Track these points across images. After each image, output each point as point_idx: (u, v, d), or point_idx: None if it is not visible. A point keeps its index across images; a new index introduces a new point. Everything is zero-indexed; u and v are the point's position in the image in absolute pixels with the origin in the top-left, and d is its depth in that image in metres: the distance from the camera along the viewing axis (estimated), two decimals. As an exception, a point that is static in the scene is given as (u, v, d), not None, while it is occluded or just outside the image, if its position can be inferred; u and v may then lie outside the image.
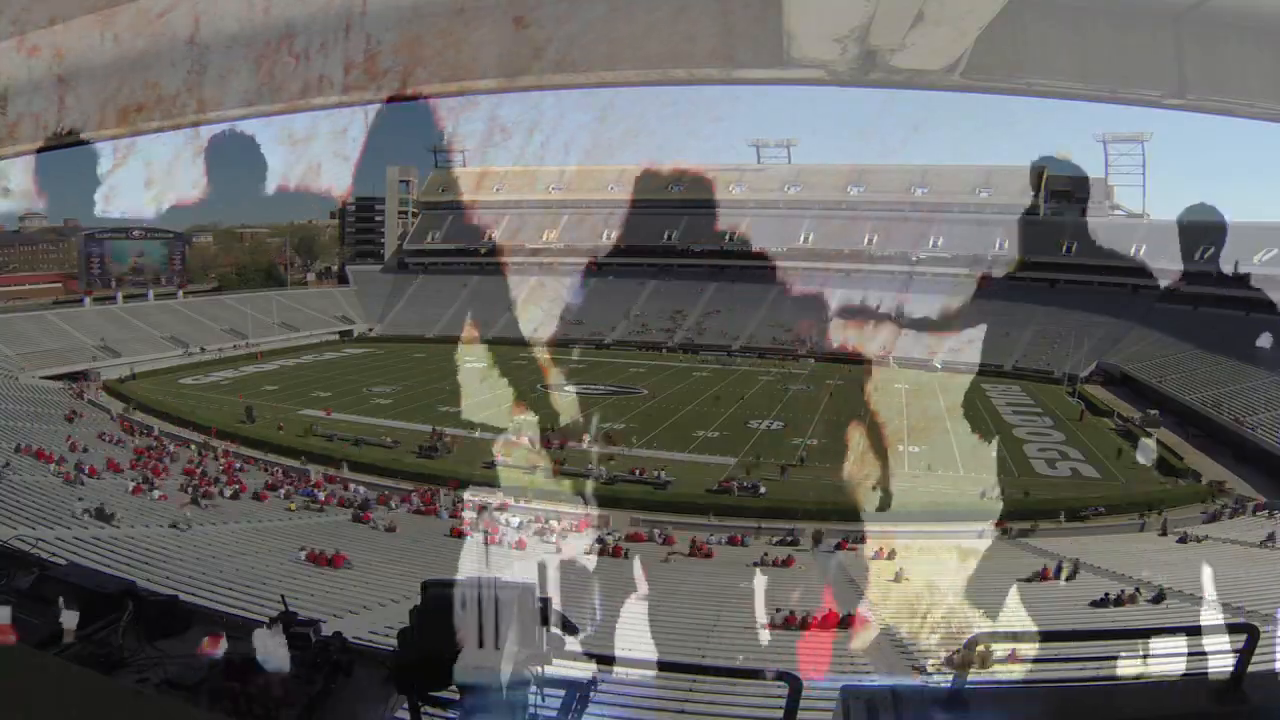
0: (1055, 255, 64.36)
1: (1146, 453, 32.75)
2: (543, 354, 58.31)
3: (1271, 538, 21.24)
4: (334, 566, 18.71)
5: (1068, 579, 18.52)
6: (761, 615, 15.35)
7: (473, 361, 56.26)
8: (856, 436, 32.57)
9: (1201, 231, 55.21)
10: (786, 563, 22.15)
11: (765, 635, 14.64)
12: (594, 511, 26.23)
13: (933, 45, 3.34)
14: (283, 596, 3.16)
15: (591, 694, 2.56)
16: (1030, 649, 2.44)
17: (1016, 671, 2.32)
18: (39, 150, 4.35)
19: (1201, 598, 16.25)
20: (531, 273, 78.36)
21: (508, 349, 63.14)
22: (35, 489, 22.49)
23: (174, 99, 3.85)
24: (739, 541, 24.45)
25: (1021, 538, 24.76)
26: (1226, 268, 50.99)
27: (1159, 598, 16.84)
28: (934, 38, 3.26)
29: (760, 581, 16.50)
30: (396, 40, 3.61)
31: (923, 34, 3.22)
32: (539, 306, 69.29)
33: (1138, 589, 17.36)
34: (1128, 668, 2.35)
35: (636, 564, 18.61)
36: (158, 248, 69.84)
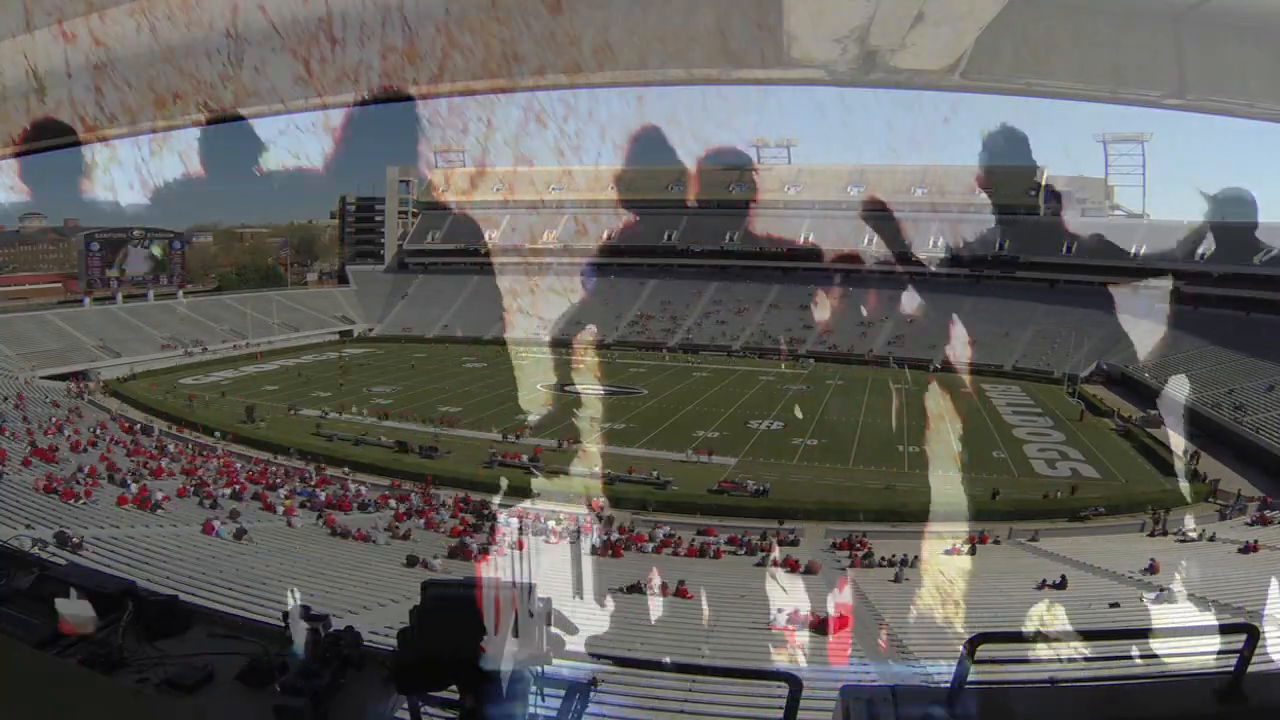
0: (1055, 255, 64.42)
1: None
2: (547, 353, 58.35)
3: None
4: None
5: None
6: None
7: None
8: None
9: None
10: (789, 564, 22.11)
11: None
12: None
13: (933, 45, 3.34)
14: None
15: (591, 694, 2.56)
16: (1031, 649, 2.44)
17: (1017, 671, 2.32)
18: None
19: (1202, 598, 16.25)
20: (531, 273, 78.45)
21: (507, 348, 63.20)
22: (35, 489, 22.47)
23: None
24: (738, 541, 24.44)
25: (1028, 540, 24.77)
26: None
27: (1158, 598, 16.84)
28: (934, 38, 3.26)
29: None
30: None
31: (923, 34, 3.22)
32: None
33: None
34: (1128, 668, 2.35)
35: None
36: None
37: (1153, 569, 19.29)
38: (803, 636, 14.65)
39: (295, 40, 3.62)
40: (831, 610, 15.34)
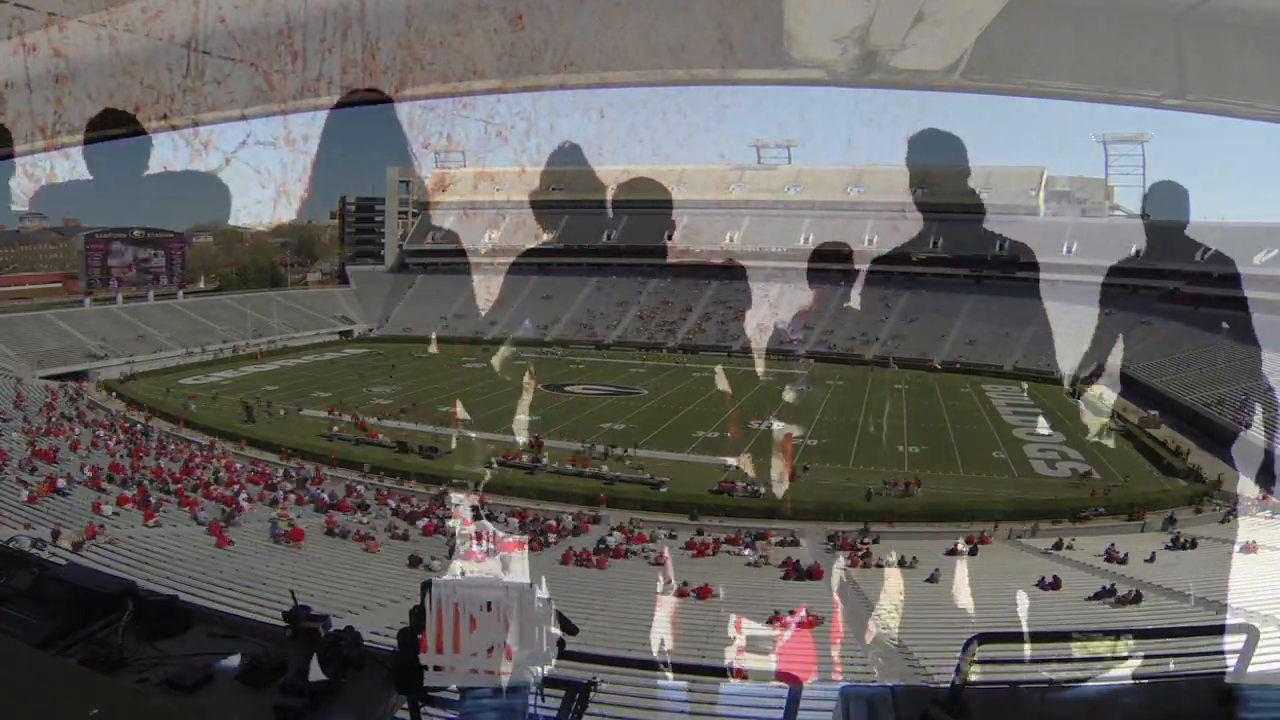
0: (1055, 255, 64.41)
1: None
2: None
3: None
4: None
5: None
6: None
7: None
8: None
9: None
10: (787, 566, 22.08)
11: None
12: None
13: (933, 45, 3.33)
14: (292, 592, 3.18)
15: (591, 694, 2.56)
16: (1031, 649, 2.44)
17: (1016, 671, 2.32)
18: (36, 151, 4.35)
19: (1201, 598, 16.26)
20: (531, 273, 78.66)
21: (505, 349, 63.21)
22: (34, 490, 22.43)
23: (171, 99, 3.84)
24: (737, 541, 24.43)
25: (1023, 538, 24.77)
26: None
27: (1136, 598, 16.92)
28: (934, 38, 3.26)
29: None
30: (394, 41, 3.60)
31: (923, 34, 3.22)
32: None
33: (1115, 586, 17.46)
34: (1128, 668, 2.35)
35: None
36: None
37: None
38: None
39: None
40: None
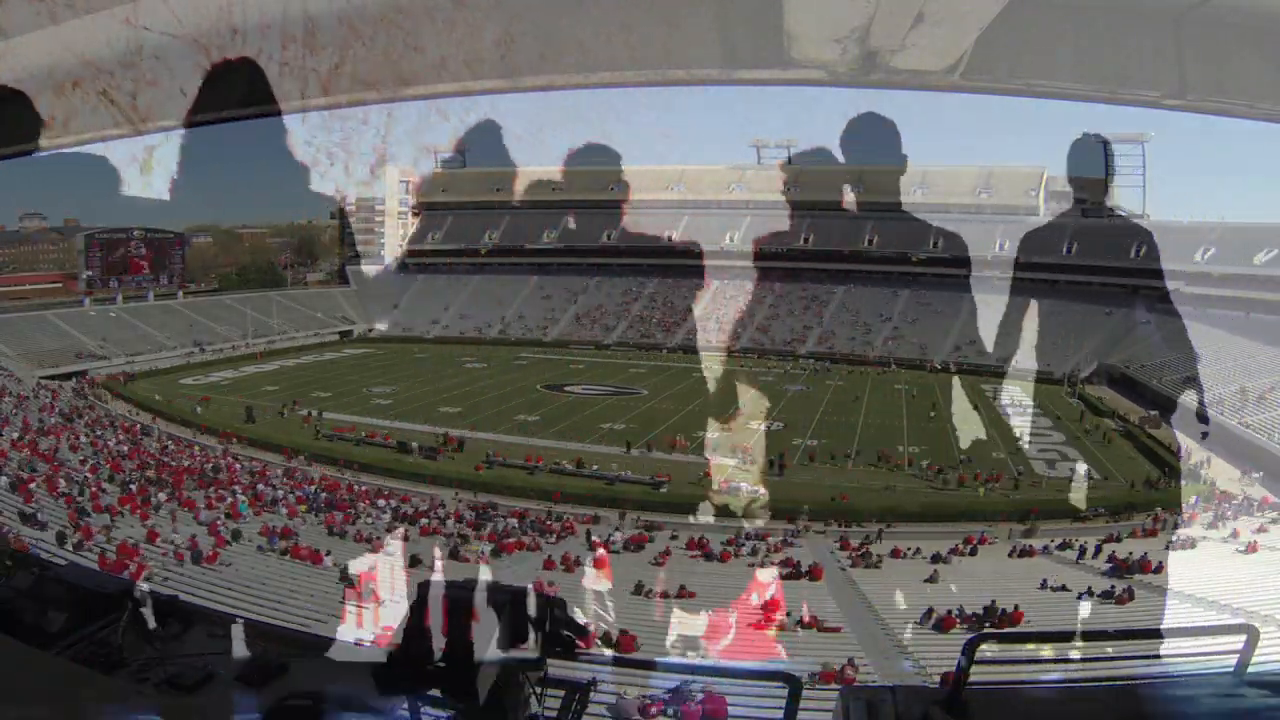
0: (1055, 255, 64.44)
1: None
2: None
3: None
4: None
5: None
6: None
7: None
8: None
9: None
10: (789, 565, 22.09)
11: None
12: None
13: (933, 45, 3.33)
14: None
15: (591, 694, 2.56)
16: (1031, 649, 2.44)
17: (1016, 672, 2.32)
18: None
19: (1200, 598, 16.27)
20: (531, 273, 78.78)
21: (508, 349, 63.35)
22: (34, 490, 22.43)
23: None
24: (734, 541, 24.42)
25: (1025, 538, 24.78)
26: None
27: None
28: (934, 38, 3.26)
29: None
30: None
31: (923, 34, 3.21)
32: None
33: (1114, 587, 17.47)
34: (1128, 668, 2.35)
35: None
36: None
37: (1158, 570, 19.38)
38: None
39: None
40: None
